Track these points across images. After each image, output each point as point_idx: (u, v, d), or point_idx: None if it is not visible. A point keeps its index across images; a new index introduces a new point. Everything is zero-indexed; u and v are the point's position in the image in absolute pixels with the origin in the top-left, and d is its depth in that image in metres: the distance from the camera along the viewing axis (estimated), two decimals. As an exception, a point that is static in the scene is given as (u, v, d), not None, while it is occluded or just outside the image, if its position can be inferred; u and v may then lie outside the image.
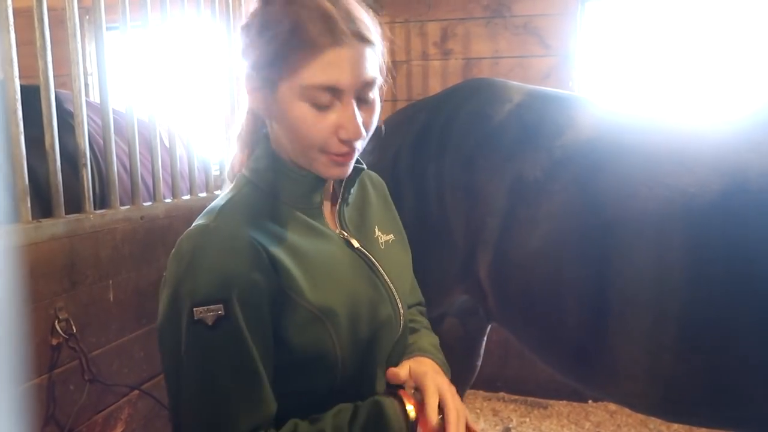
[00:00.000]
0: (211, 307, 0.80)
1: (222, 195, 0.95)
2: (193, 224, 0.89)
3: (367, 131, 0.87)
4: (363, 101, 0.86)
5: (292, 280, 0.85)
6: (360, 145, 0.89)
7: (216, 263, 0.82)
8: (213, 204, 0.92)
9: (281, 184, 0.92)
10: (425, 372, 0.94)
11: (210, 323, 0.80)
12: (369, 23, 0.87)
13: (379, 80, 0.89)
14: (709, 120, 1.66)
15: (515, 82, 1.96)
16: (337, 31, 0.81)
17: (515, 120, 1.75)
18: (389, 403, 0.86)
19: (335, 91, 0.83)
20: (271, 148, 0.93)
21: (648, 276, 1.49)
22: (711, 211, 1.43)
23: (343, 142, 0.85)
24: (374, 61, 0.86)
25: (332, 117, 0.84)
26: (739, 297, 1.40)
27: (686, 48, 3.12)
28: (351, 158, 0.89)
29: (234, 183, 0.95)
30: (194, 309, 0.80)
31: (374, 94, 0.88)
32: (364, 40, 0.84)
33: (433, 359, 1.01)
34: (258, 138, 0.96)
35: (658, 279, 1.48)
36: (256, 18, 0.86)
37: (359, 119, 0.85)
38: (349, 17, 0.84)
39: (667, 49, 3.15)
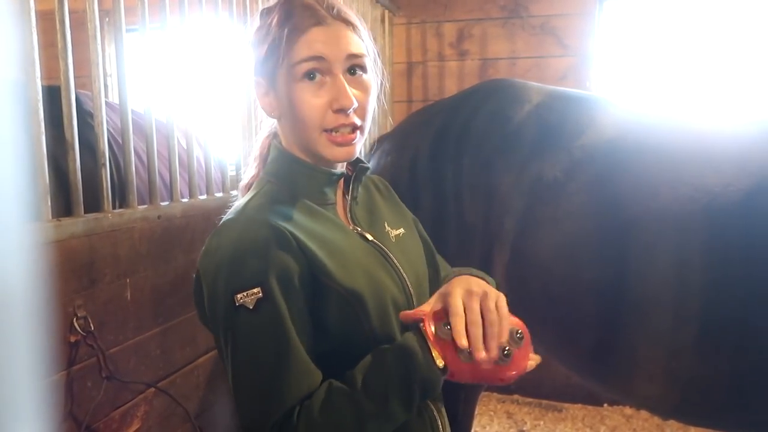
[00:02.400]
0: (250, 291, 0.84)
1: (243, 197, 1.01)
2: (221, 222, 0.93)
3: (361, 107, 0.92)
4: (354, 79, 0.92)
5: (321, 265, 0.90)
6: (359, 122, 0.92)
7: (248, 250, 0.86)
8: (237, 204, 0.97)
9: (297, 180, 0.98)
10: (449, 291, 0.89)
11: (251, 307, 0.84)
12: (349, 11, 0.96)
13: (368, 60, 0.95)
14: (735, 120, 1.64)
15: (534, 83, 1.95)
16: (319, 15, 0.91)
17: (535, 120, 1.75)
18: (408, 337, 0.88)
19: (322, 63, 0.90)
20: (284, 149, 1.00)
21: (669, 276, 1.47)
22: (735, 210, 1.41)
23: (338, 113, 0.90)
24: (357, 41, 0.94)
25: (326, 94, 0.91)
26: (763, 297, 1.38)
27: (705, 47, 3.07)
28: (352, 139, 0.93)
29: (254, 185, 1.01)
30: (234, 296, 0.85)
31: (366, 76, 0.94)
32: (344, 20, 0.93)
33: (465, 273, 1.00)
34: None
35: (680, 279, 1.46)
36: (257, 31, 0.96)
37: (350, 90, 0.90)
38: (329, 4, 0.93)
39: (685, 48, 3.11)
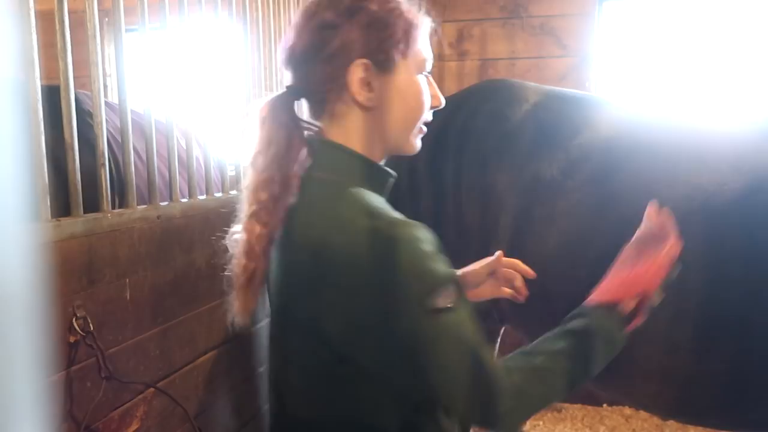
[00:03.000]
0: (446, 292, 0.87)
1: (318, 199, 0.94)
2: (367, 227, 0.87)
3: None
4: None
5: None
6: None
7: (432, 254, 0.89)
8: (357, 208, 0.89)
9: (374, 179, 0.97)
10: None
11: (450, 305, 0.87)
12: None
13: None
14: (731, 119, 1.64)
15: (532, 83, 1.95)
16: (424, 11, 0.97)
17: (532, 120, 1.75)
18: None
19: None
20: (347, 148, 0.94)
21: None
22: (730, 209, 1.42)
23: (431, 111, 0.98)
24: None
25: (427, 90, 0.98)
26: (759, 297, 1.38)
27: (704, 47, 3.08)
28: None
29: (329, 185, 0.93)
30: (435, 300, 0.87)
31: None
32: None
33: None
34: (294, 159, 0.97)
35: (676, 277, 1.46)
36: (361, 13, 0.90)
37: None
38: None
39: (684, 48, 3.11)
